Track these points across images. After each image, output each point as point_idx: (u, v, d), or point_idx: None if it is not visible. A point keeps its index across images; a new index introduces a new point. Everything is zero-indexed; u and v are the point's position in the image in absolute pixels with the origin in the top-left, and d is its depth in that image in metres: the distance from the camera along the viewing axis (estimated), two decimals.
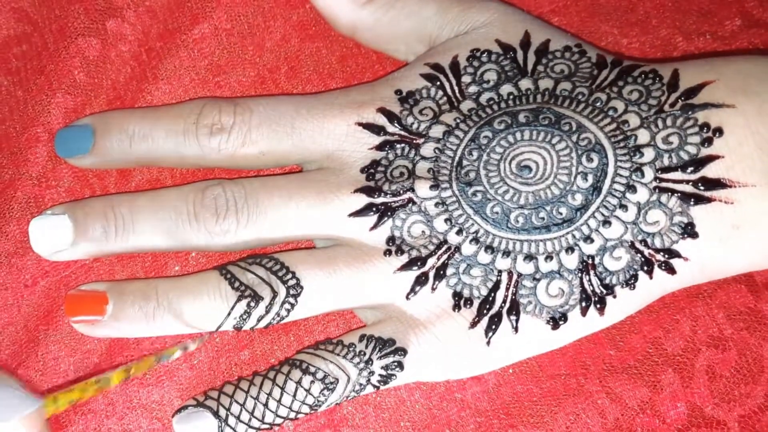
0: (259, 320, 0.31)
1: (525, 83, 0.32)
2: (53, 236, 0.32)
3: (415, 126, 0.32)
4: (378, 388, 0.31)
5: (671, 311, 0.33)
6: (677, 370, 0.33)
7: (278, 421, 0.31)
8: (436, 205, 0.31)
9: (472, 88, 0.32)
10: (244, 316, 0.31)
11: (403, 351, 0.31)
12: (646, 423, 0.33)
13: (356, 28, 0.34)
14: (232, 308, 0.31)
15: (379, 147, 0.32)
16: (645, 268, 0.30)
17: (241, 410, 0.30)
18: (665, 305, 0.33)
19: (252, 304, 0.31)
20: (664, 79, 0.31)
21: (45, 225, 0.32)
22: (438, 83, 0.33)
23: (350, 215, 0.32)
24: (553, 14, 0.37)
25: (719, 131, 0.30)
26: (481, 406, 0.33)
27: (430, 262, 0.31)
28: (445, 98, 0.33)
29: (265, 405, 0.30)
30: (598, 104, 0.31)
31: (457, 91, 0.33)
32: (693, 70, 0.31)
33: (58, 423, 0.33)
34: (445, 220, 0.31)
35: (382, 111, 0.32)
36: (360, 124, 0.32)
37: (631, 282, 0.30)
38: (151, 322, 0.31)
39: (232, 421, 0.30)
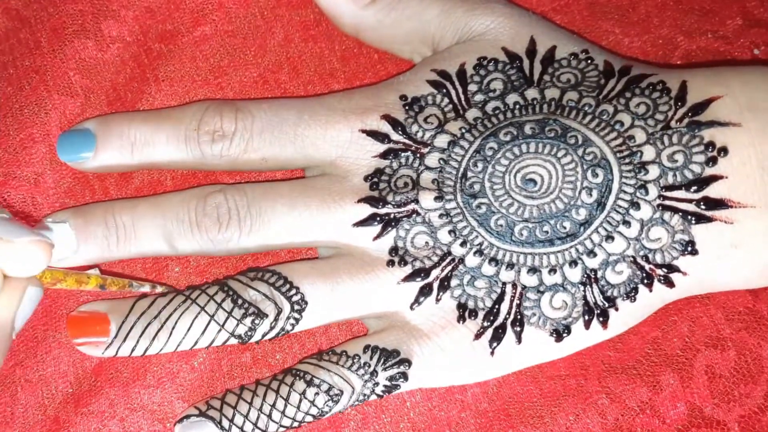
0: (263, 336, 0.31)
1: (531, 93, 0.32)
2: (55, 245, 0.31)
3: (419, 134, 0.32)
4: (381, 397, 0.31)
5: (669, 312, 0.33)
6: (677, 371, 0.33)
7: (281, 430, 0.31)
8: (441, 216, 0.31)
9: (478, 97, 0.32)
10: (249, 333, 0.31)
11: (407, 362, 0.31)
12: (646, 423, 0.33)
13: (359, 29, 0.34)
14: (237, 326, 0.31)
15: (383, 155, 0.32)
16: (645, 281, 0.31)
17: (244, 421, 0.30)
18: (663, 306, 0.33)
19: (256, 321, 0.31)
20: (672, 92, 0.31)
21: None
22: (444, 90, 0.33)
23: (354, 225, 0.32)
24: (555, 13, 0.37)
25: (724, 151, 0.30)
26: (481, 407, 0.33)
27: (434, 273, 0.31)
28: (450, 106, 0.32)
29: (269, 416, 0.30)
30: (604, 117, 0.31)
31: (463, 99, 0.32)
32: (700, 83, 0.31)
33: (58, 424, 0.33)
34: (449, 232, 0.31)
35: (387, 118, 0.32)
36: (364, 131, 0.32)
37: (631, 295, 0.31)
38: (156, 343, 0.31)
39: (234, 431, 0.30)
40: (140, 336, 0.31)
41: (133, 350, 0.31)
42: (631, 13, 0.36)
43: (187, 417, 0.31)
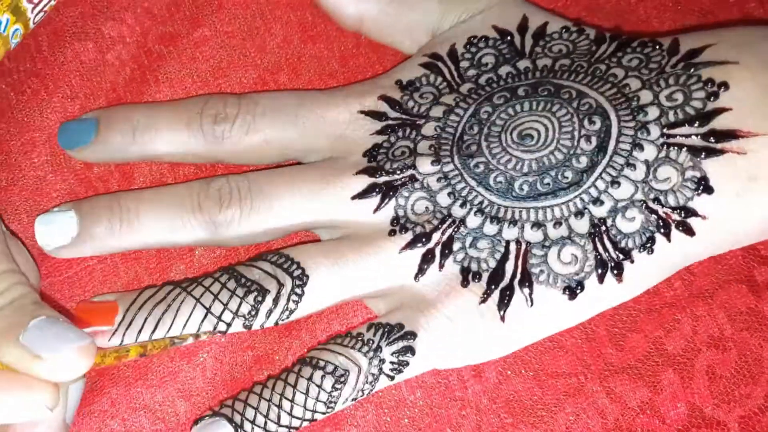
0: (268, 315, 0.31)
1: (523, 63, 0.32)
2: (58, 230, 0.32)
3: (415, 109, 0.32)
4: (393, 378, 0.30)
5: (672, 311, 0.33)
6: (677, 371, 0.33)
7: (295, 423, 0.30)
8: (439, 179, 0.31)
9: (471, 72, 0.33)
10: (252, 312, 0.30)
11: (412, 335, 0.30)
12: (646, 423, 0.32)
13: (362, 21, 0.35)
14: (240, 305, 0.30)
15: (381, 132, 0.32)
16: (662, 229, 0.29)
17: (255, 414, 0.29)
18: (666, 305, 0.33)
19: (259, 298, 0.30)
20: (664, 45, 0.31)
21: (50, 220, 0.32)
22: (437, 70, 0.33)
23: (353, 198, 0.31)
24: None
25: (725, 85, 0.29)
26: (481, 405, 0.33)
27: (435, 237, 0.31)
28: (444, 83, 0.33)
29: (279, 406, 0.29)
30: (597, 73, 0.31)
31: (456, 75, 0.33)
32: (693, 37, 0.31)
33: None
34: (449, 194, 0.31)
35: (384, 98, 0.33)
36: (362, 112, 0.33)
37: (648, 245, 0.29)
38: (162, 326, 0.30)
39: (247, 426, 0.29)
40: (146, 319, 0.30)
41: (138, 334, 0.31)
42: (630, 14, 0.37)
43: (201, 419, 0.30)
